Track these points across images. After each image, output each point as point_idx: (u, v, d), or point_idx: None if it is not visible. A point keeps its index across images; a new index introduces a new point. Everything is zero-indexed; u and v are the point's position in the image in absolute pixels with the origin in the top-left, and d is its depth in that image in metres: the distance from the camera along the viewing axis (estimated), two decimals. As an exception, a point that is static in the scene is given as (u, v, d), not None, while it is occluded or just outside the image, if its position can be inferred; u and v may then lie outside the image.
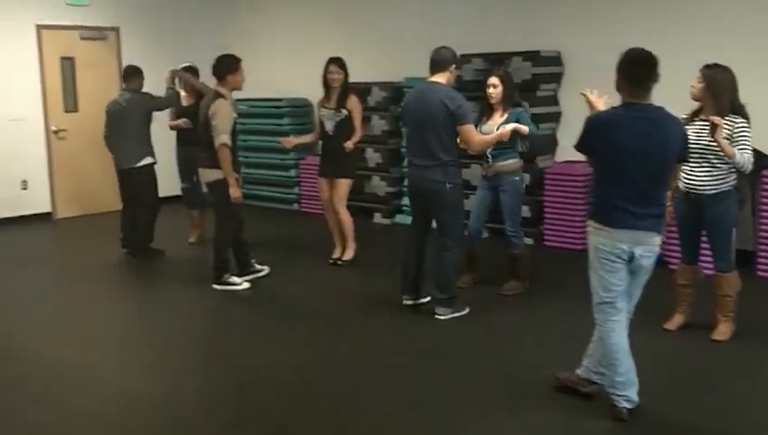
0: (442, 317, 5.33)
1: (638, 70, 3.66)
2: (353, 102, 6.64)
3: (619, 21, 7.20)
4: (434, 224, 5.48)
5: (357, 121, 6.66)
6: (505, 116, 5.67)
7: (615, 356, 3.76)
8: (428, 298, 5.50)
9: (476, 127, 5.63)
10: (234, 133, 6.06)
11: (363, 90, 8.64)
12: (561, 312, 5.46)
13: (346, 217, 6.78)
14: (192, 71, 7.46)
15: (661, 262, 6.51)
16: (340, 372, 4.51)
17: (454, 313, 5.36)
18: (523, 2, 7.94)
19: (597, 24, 7.36)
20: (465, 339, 5.02)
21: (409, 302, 5.53)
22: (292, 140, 7.11)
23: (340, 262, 6.80)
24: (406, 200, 8.63)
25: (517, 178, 5.79)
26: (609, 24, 7.25)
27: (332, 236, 6.90)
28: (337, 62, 6.63)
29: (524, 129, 5.55)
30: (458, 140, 5.25)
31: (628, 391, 3.78)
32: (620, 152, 3.60)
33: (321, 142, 6.90)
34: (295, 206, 9.82)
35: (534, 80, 7.45)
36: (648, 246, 3.69)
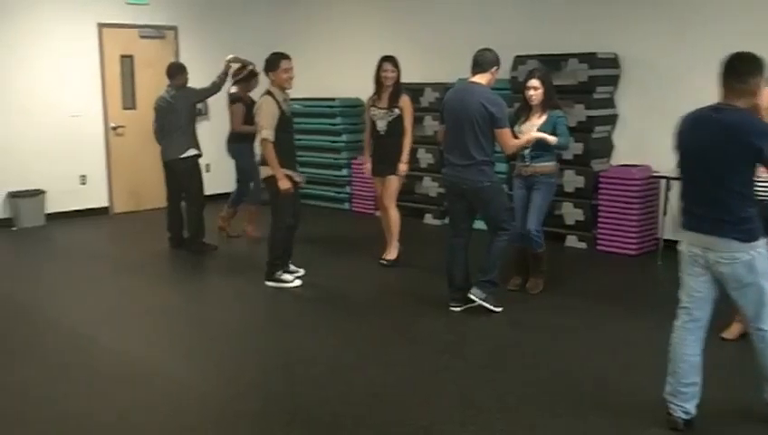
0: (474, 298, 5.35)
1: (722, 71, 3.55)
2: (405, 102, 6.63)
3: (678, 24, 7.07)
4: (475, 224, 5.50)
5: (408, 121, 6.64)
6: (543, 117, 5.67)
7: (679, 365, 3.66)
8: (476, 303, 5.43)
9: (514, 127, 5.63)
10: (288, 130, 6.10)
11: (416, 90, 8.63)
12: (615, 317, 5.38)
13: (395, 215, 6.78)
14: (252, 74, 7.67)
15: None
16: (389, 371, 4.49)
17: (487, 301, 5.36)
18: (579, 3, 7.83)
19: (655, 26, 7.23)
20: (516, 341, 4.97)
21: (457, 309, 5.48)
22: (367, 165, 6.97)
23: (384, 261, 6.81)
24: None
25: (552, 179, 5.83)
26: (668, 27, 7.12)
27: (385, 236, 6.90)
28: (391, 60, 6.62)
29: (551, 139, 5.55)
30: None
31: (687, 404, 3.66)
32: (684, 153, 3.58)
33: (372, 142, 6.88)
34: (346, 205, 9.85)
35: (590, 82, 7.35)
36: (719, 253, 3.48)
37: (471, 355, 4.77)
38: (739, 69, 3.49)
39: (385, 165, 6.69)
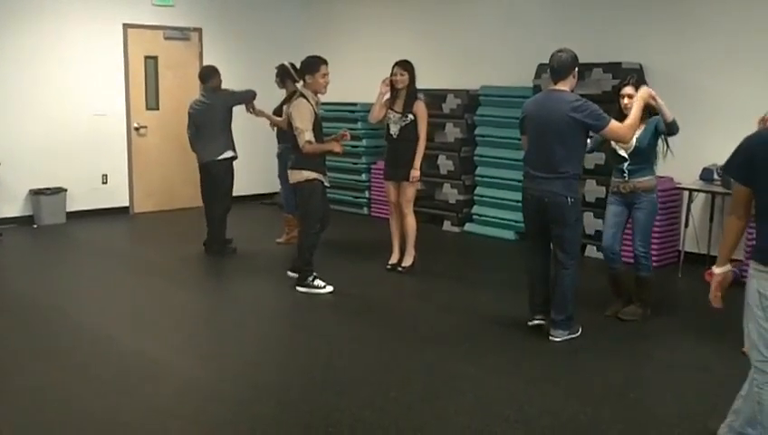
0: (557, 339, 5.07)
1: None
2: (420, 108, 6.60)
3: (703, 36, 7.03)
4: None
5: (422, 128, 6.59)
6: (643, 126, 5.27)
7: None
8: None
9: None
10: (320, 135, 6.09)
11: (438, 97, 8.65)
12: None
13: (411, 221, 6.77)
14: (285, 69, 7.61)
15: (739, 282, 6.36)
16: (410, 378, 4.47)
17: (569, 335, 5.11)
18: (605, 13, 7.80)
19: (679, 37, 7.18)
20: (573, 361, 4.91)
21: (538, 322, 5.18)
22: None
23: (399, 268, 6.78)
24: (476, 209, 8.58)
25: (654, 195, 5.41)
26: (692, 39, 7.08)
27: (393, 241, 6.88)
28: (402, 64, 6.59)
29: (662, 106, 5.17)
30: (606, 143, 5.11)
31: None
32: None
33: (386, 146, 6.87)
34: (365, 210, 9.85)
35: (615, 92, 7.29)
36: None
37: (492, 363, 4.74)
38: None
39: (397, 170, 6.68)
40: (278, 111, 7.49)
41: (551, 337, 5.07)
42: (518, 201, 8.15)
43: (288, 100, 6.98)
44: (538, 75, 7.87)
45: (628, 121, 4.92)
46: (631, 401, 4.15)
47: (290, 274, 6.40)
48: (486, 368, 4.65)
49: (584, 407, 4.05)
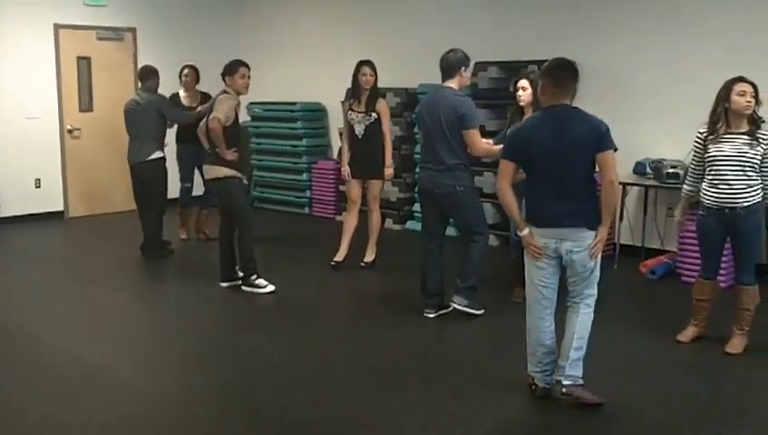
0: (457, 306, 5.31)
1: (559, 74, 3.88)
2: (383, 106, 6.67)
3: (636, 32, 7.20)
4: (448, 230, 5.47)
5: (386, 125, 6.67)
6: None
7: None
8: (450, 308, 5.43)
9: (505, 131, 5.63)
10: (242, 136, 6.13)
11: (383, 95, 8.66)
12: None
13: (378, 218, 6.86)
14: (195, 71, 7.73)
15: (674, 274, 6.56)
16: (356, 375, 4.49)
17: (470, 306, 5.32)
18: (539, 11, 7.93)
19: (613, 34, 7.34)
20: (477, 343, 5.00)
21: (431, 315, 5.44)
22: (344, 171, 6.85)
23: (362, 263, 6.83)
24: (418, 206, 8.62)
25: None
26: (626, 35, 7.24)
27: (340, 238, 6.87)
28: (369, 64, 6.65)
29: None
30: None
31: None
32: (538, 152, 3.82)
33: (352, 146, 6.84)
34: (306, 210, 9.82)
35: (513, 84, 7.41)
36: (574, 242, 3.80)
37: (438, 360, 4.77)
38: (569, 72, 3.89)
39: (365, 168, 6.70)
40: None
41: (451, 302, 5.32)
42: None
43: (202, 102, 7.05)
44: (475, 73, 7.96)
45: (487, 147, 5.24)
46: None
47: (223, 284, 6.32)
48: (430, 361, 4.69)
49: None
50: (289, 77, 10.10)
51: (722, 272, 5.12)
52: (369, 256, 6.88)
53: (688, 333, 4.98)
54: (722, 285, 5.10)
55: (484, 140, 5.47)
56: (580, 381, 3.91)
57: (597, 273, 3.93)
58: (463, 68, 5.28)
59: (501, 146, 5.27)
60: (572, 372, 3.90)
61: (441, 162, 5.19)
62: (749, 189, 4.60)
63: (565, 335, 3.95)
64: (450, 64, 5.27)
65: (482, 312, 5.40)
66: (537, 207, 3.93)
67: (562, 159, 3.80)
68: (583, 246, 3.80)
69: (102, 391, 4.28)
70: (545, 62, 7.55)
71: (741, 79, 4.63)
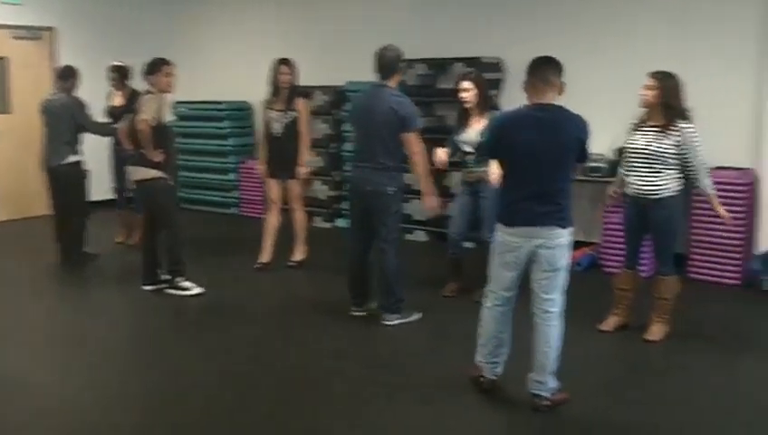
0: (389, 323, 5.24)
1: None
2: (302, 105, 6.59)
3: (560, 30, 7.33)
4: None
5: (304, 124, 6.59)
6: (482, 122, 5.51)
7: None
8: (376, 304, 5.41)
9: (454, 135, 5.66)
10: (169, 136, 5.99)
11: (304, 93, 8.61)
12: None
13: (302, 217, 6.80)
14: (122, 70, 7.50)
15: (597, 265, 6.72)
16: (283, 376, 4.45)
17: (402, 318, 5.27)
18: (465, 7, 8.01)
19: (538, 32, 7.45)
20: (410, 343, 5.00)
21: (358, 313, 5.40)
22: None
23: (291, 263, 6.77)
24: (346, 205, 8.61)
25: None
26: (551, 33, 7.34)
27: (264, 240, 6.79)
28: (286, 62, 6.57)
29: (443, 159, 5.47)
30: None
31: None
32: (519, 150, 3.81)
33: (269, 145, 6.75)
34: (234, 210, 9.71)
35: (455, 85, 7.49)
36: (545, 240, 3.79)
37: (368, 359, 4.76)
38: (550, 68, 3.87)
39: (282, 168, 6.62)
40: (116, 113, 7.24)
41: (383, 322, 5.25)
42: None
43: (130, 101, 6.80)
44: (403, 71, 8.00)
45: (422, 158, 5.14)
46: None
47: (164, 277, 6.18)
48: (359, 360, 4.69)
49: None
50: (215, 75, 9.96)
51: (645, 262, 5.25)
52: (298, 256, 6.83)
53: (610, 322, 5.10)
54: (644, 275, 5.23)
55: (440, 149, 5.53)
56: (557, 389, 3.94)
57: (565, 277, 3.89)
58: (400, 65, 5.21)
59: (426, 186, 5.28)
60: (552, 384, 3.91)
61: (378, 162, 5.09)
62: (659, 182, 4.72)
63: (538, 349, 3.88)
64: (388, 63, 5.16)
65: (418, 316, 5.35)
66: (512, 208, 3.87)
67: (544, 160, 3.76)
68: (554, 243, 3.79)
69: (19, 401, 4.13)
70: (472, 59, 7.71)
71: (650, 73, 4.77)
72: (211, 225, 9.05)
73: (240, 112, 9.66)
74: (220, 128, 9.60)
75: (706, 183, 4.75)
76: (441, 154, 5.55)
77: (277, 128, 6.58)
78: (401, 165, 5.21)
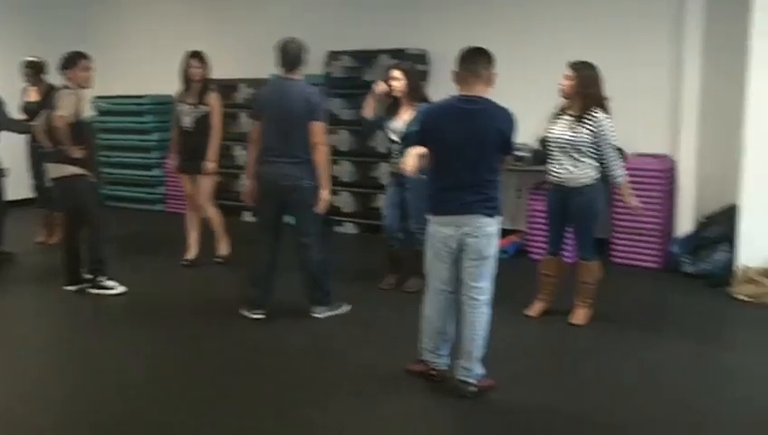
0: (319, 316, 5.19)
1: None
2: (213, 99, 6.46)
3: (486, 22, 7.40)
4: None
5: (216, 119, 6.45)
6: (410, 112, 5.48)
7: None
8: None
9: (383, 123, 5.64)
10: (89, 132, 5.82)
11: (229, 87, 8.51)
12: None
13: (213, 215, 6.65)
14: (36, 66, 7.29)
15: (523, 252, 6.82)
16: (210, 373, 4.36)
17: (331, 310, 5.23)
18: (391, 1, 8.01)
19: (464, 23, 7.52)
20: (339, 336, 4.96)
21: (261, 316, 5.21)
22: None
23: (217, 258, 6.66)
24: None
25: (424, 175, 5.67)
26: (477, 24, 7.42)
27: (188, 236, 6.68)
28: (197, 56, 6.45)
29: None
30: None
31: None
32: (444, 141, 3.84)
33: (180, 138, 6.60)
34: (160, 206, 9.51)
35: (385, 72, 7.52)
36: (473, 228, 3.81)
37: (295, 353, 4.71)
38: (480, 59, 3.85)
39: (192, 163, 6.49)
40: (31, 110, 7.01)
41: (313, 314, 5.19)
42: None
43: (47, 97, 6.55)
44: (329, 63, 7.98)
45: (326, 149, 5.08)
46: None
47: (87, 276, 5.98)
48: (286, 352, 4.64)
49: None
50: (137, 69, 9.74)
51: (568, 248, 5.35)
52: (223, 250, 6.74)
53: (536, 308, 5.19)
54: (567, 260, 5.32)
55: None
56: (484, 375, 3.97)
57: (493, 265, 3.91)
58: (304, 58, 5.13)
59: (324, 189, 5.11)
60: (479, 370, 3.93)
61: (295, 156, 5.00)
62: (576, 170, 4.81)
63: (465, 336, 3.92)
64: (297, 55, 5.10)
65: (348, 308, 5.32)
66: (440, 197, 3.93)
67: (468, 151, 3.79)
68: (481, 232, 3.81)
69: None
70: (398, 50, 7.73)
71: (569, 63, 4.85)
72: (135, 222, 8.84)
73: (164, 106, 9.42)
74: (143, 123, 9.38)
75: (617, 173, 4.83)
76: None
77: (188, 122, 6.46)
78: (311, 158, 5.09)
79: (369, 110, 5.68)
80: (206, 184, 6.56)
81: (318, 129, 5.04)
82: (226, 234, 6.75)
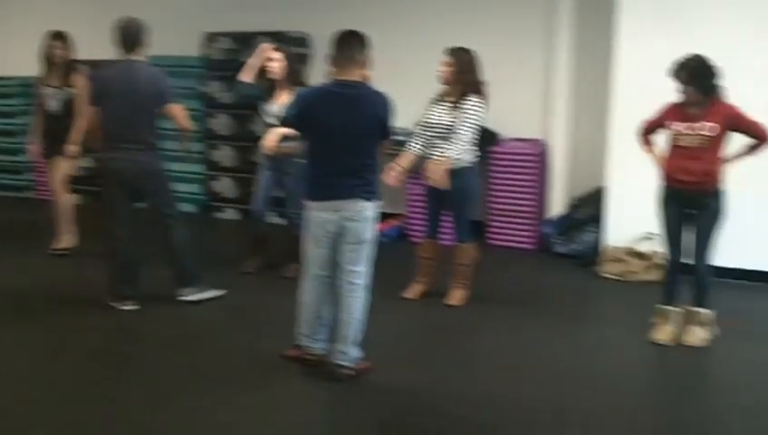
0: (188, 299, 5.10)
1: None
2: (79, 81, 6.19)
3: (367, 6, 7.39)
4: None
5: (82, 101, 6.12)
6: (288, 96, 5.28)
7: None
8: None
9: (257, 97, 5.54)
10: None
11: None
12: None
13: (65, 199, 6.42)
14: None
15: (404, 236, 6.90)
16: (78, 365, 4.20)
17: (199, 292, 5.14)
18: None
19: (345, 6, 7.45)
20: (212, 323, 4.88)
21: (132, 307, 5.03)
22: None
23: (58, 251, 6.37)
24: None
25: (303, 160, 5.61)
26: (358, 7, 7.37)
27: (58, 224, 6.42)
28: (60, 36, 6.19)
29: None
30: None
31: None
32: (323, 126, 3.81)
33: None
34: (31, 193, 9.05)
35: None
36: (351, 213, 3.83)
37: (165, 341, 4.60)
38: (354, 43, 3.85)
39: (53, 146, 6.25)
40: None
41: (180, 298, 5.10)
42: (196, 173, 8.08)
43: None
44: (207, 45, 7.80)
45: (189, 124, 5.10)
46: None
47: None
48: (156, 341, 4.53)
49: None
50: (6, 50, 9.21)
51: (446, 231, 5.43)
52: (68, 241, 6.43)
53: (415, 290, 5.26)
54: (445, 243, 5.41)
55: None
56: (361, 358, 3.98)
57: (370, 249, 3.93)
58: (144, 38, 4.94)
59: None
60: (356, 353, 3.95)
61: (145, 141, 4.88)
62: (452, 154, 4.85)
63: (342, 320, 3.93)
64: (132, 35, 4.89)
65: (219, 293, 5.22)
66: (318, 182, 3.90)
67: (345, 136, 3.77)
68: (359, 216, 3.81)
69: None
70: (277, 33, 7.62)
71: (446, 50, 4.92)
72: (1, 209, 8.39)
73: (32, 89, 8.96)
74: (9, 105, 8.90)
75: (452, 153, 4.81)
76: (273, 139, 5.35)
77: (54, 105, 6.22)
78: (158, 142, 5.03)
79: (248, 74, 5.57)
80: (64, 167, 6.30)
81: (177, 111, 4.98)
82: (74, 223, 6.47)
